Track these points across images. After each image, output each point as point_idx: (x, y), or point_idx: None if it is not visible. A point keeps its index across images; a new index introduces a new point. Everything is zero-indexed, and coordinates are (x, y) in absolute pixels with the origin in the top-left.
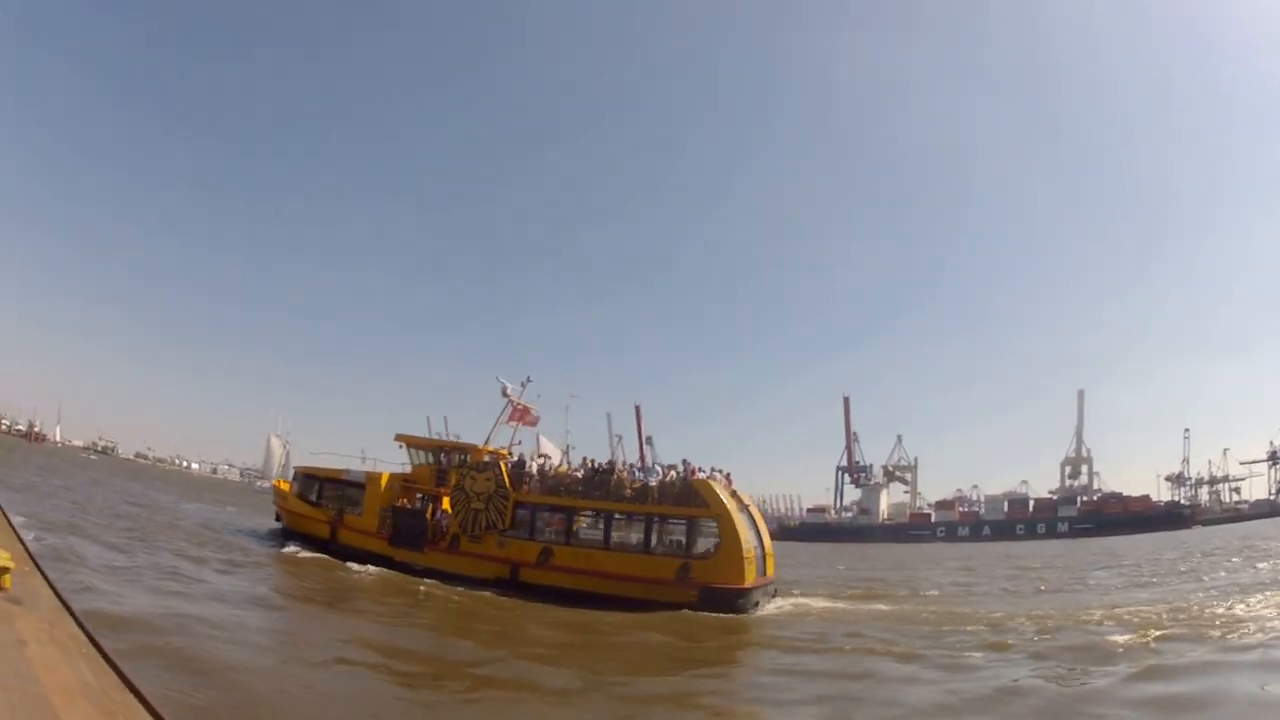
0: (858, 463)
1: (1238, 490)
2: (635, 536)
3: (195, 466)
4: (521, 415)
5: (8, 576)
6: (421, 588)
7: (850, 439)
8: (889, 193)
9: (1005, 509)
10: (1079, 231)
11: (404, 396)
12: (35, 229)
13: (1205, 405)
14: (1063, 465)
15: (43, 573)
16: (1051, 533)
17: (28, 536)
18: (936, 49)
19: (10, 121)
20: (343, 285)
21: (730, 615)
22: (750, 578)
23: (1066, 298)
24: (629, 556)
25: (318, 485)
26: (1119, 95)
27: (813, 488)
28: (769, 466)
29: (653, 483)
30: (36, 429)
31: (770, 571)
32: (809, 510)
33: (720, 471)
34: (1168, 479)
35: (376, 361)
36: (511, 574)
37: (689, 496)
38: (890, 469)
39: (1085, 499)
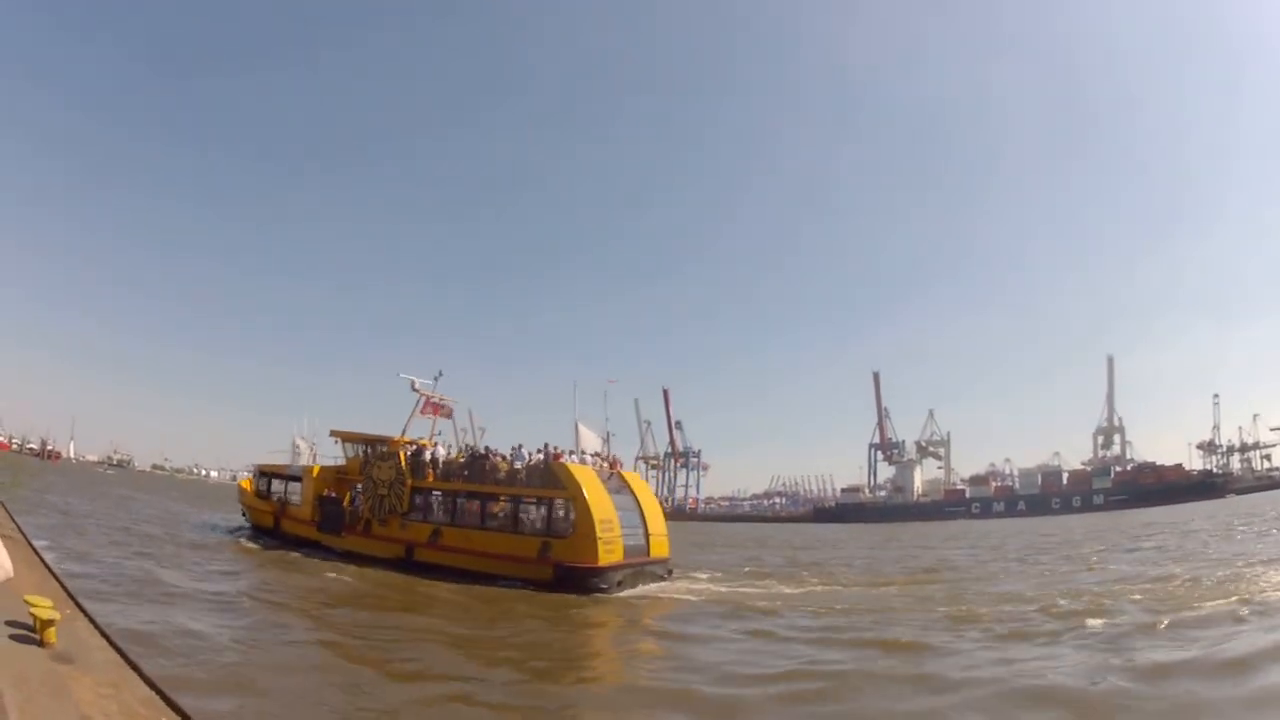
0: (890, 439)
1: (1268, 457)
2: (504, 517)
3: (214, 475)
4: (435, 408)
5: (52, 629)
6: (331, 573)
7: (881, 415)
8: (912, 167)
9: (1039, 482)
10: (1102, 196)
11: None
12: (42, 247)
13: (1233, 369)
14: (1095, 435)
15: (91, 618)
16: (1087, 506)
17: (65, 572)
18: (954, 14)
19: (12, 139)
20: (365, 290)
21: (584, 594)
22: (607, 557)
23: (1093, 263)
24: (500, 536)
25: (267, 480)
26: (1136, 54)
27: (847, 467)
28: (802, 448)
29: (519, 466)
30: (50, 447)
31: (660, 553)
32: (843, 490)
33: (598, 456)
34: (1199, 447)
35: (398, 362)
36: (407, 553)
37: (548, 479)
38: (923, 444)
39: (1119, 469)
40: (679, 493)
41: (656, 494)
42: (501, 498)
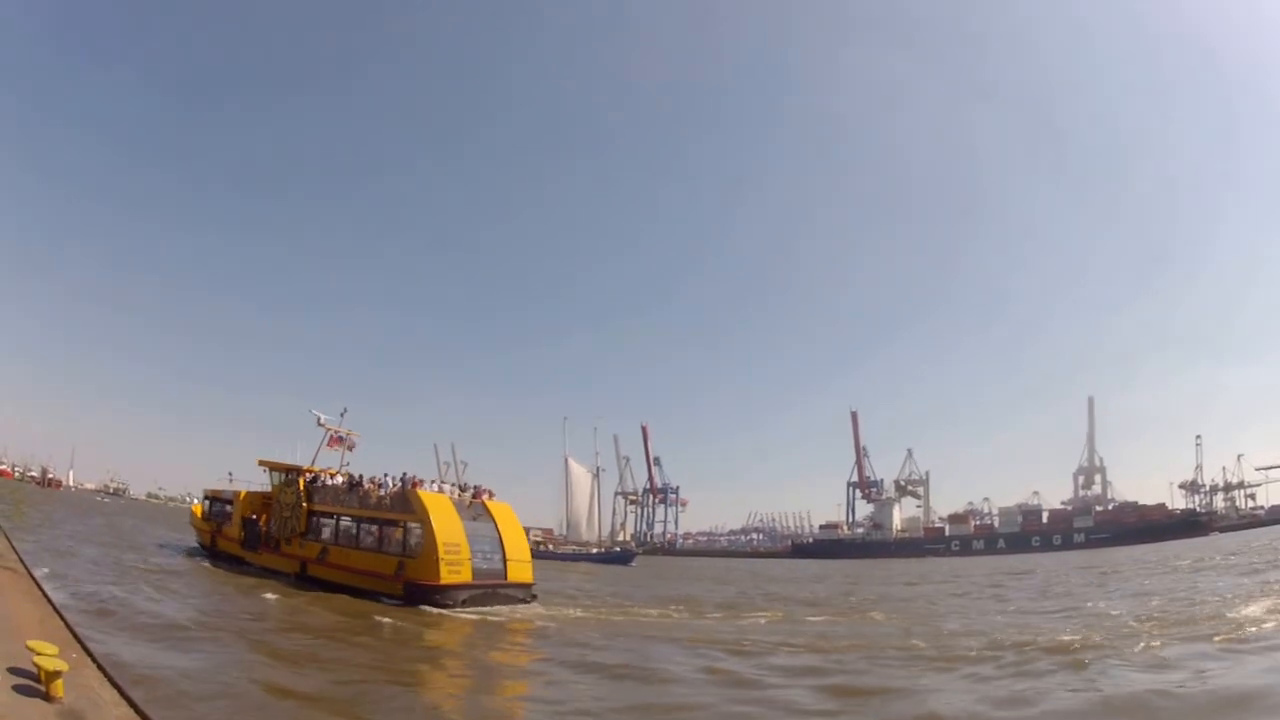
0: (869, 478)
1: (1253, 496)
2: (371, 538)
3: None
4: (337, 441)
5: (59, 682)
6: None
7: (860, 454)
8: (892, 206)
9: (1020, 521)
10: (1087, 240)
11: (414, 427)
12: (45, 276)
13: (1218, 412)
14: (1075, 475)
15: (99, 665)
16: (1067, 544)
17: (66, 605)
18: (934, 57)
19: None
20: (352, 324)
21: (429, 609)
22: (451, 577)
23: (1075, 307)
24: (369, 555)
25: (209, 504)
26: (1121, 100)
27: (824, 504)
28: (780, 484)
29: (383, 492)
30: (51, 475)
31: (519, 578)
32: (821, 527)
33: (455, 486)
34: (1181, 486)
35: (388, 394)
36: (301, 569)
37: (404, 504)
38: (902, 483)
39: (1100, 509)
40: (657, 528)
41: (634, 529)
42: (369, 520)
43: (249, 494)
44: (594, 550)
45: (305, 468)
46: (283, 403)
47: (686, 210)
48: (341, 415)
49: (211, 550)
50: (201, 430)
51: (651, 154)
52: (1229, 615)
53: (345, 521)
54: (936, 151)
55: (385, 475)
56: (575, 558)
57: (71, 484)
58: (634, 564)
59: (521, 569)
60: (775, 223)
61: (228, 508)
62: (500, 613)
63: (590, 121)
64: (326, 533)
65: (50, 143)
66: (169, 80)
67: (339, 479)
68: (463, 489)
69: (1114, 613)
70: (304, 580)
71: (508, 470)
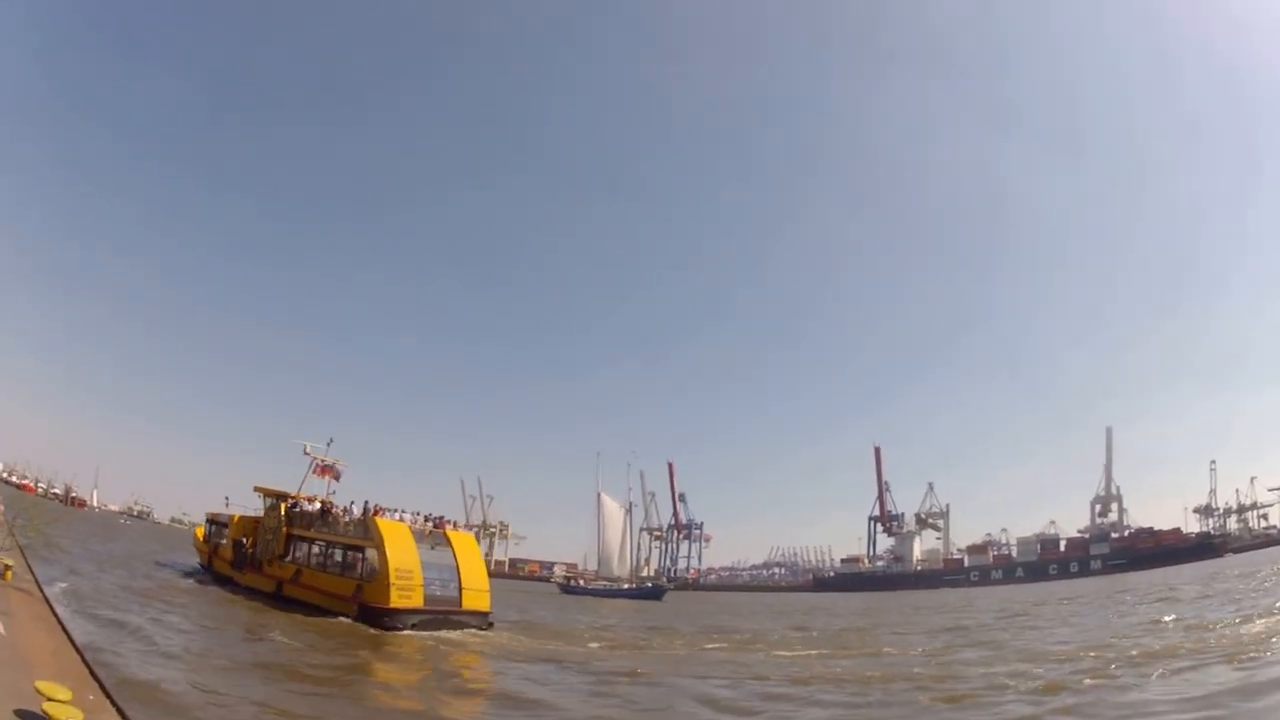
0: (890, 512)
1: (1265, 516)
2: (335, 562)
3: None
4: (324, 471)
5: None
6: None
7: (882, 489)
8: (923, 240)
9: (1038, 550)
10: (1107, 270)
11: (437, 457)
12: (73, 294)
13: (1234, 439)
14: (1093, 504)
15: (114, 703)
16: (1084, 571)
17: (84, 635)
18: (966, 87)
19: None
20: (384, 354)
21: (379, 629)
22: (402, 601)
23: (1095, 336)
24: (332, 577)
25: (210, 526)
26: (1145, 130)
27: (845, 538)
28: (801, 519)
29: (348, 519)
30: (74, 494)
31: (475, 605)
32: (843, 561)
33: (418, 515)
34: (1195, 511)
35: (417, 424)
36: (278, 589)
37: (363, 531)
38: (922, 516)
39: (1116, 535)
40: (681, 563)
41: (658, 565)
42: (335, 545)
43: (242, 518)
44: (626, 585)
45: (291, 494)
46: (310, 429)
47: (720, 247)
48: (328, 445)
49: (208, 569)
50: (227, 455)
51: (688, 192)
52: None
53: (317, 546)
54: (966, 182)
55: (351, 503)
56: (608, 593)
57: (95, 504)
58: (665, 599)
59: (478, 597)
60: (807, 260)
61: (224, 530)
62: (448, 637)
63: (628, 159)
64: (301, 555)
65: (78, 146)
66: (214, 102)
67: (316, 505)
68: (426, 519)
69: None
70: (280, 599)
71: (537, 503)
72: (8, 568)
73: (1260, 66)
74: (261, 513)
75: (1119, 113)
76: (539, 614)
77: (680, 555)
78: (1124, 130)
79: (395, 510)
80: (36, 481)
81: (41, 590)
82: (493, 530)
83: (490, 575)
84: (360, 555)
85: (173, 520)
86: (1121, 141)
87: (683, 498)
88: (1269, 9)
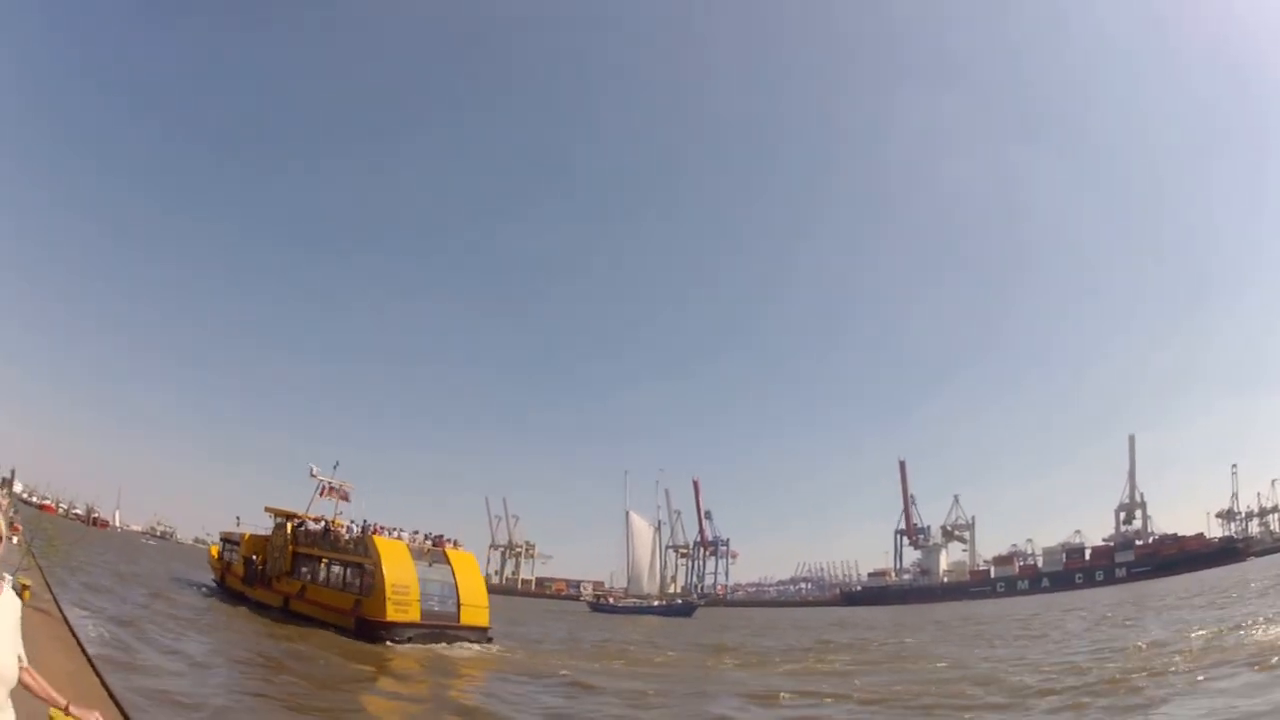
0: (916, 525)
1: None
2: (337, 578)
3: None
4: (331, 492)
5: None
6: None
7: (908, 502)
8: (943, 254)
9: (1063, 560)
10: (1130, 278)
11: (467, 479)
12: (99, 319)
13: (1255, 441)
14: (1117, 512)
15: None
16: (1109, 579)
17: (113, 667)
18: (981, 99)
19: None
20: (411, 376)
21: (373, 643)
22: (398, 615)
23: (1116, 344)
24: (333, 591)
25: (223, 545)
26: (1160, 137)
27: (871, 552)
28: (827, 534)
29: (349, 537)
30: (96, 514)
31: (473, 621)
32: (869, 574)
33: (417, 534)
34: (1218, 515)
35: (444, 446)
36: (284, 603)
37: (362, 548)
38: (948, 529)
39: (1140, 543)
40: (707, 580)
41: (685, 582)
42: (336, 562)
43: (252, 536)
44: (655, 603)
45: (298, 514)
46: (335, 452)
47: (743, 268)
48: (334, 468)
49: (222, 585)
50: (251, 475)
51: (710, 214)
52: None
53: (320, 563)
54: (985, 195)
55: (350, 522)
56: (639, 610)
57: (118, 524)
58: (695, 615)
59: (476, 613)
60: (827, 275)
61: (236, 548)
62: (445, 651)
63: (653, 183)
64: (306, 572)
65: (103, 187)
66: (231, 139)
67: (320, 525)
68: (426, 537)
69: None
70: (286, 614)
71: (564, 523)
72: (25, 588)
73: (1268, 67)
74: (271, 532)
75: (1133, 121)
76: (558, 633)
77: (707, 572)
78: (1137, 137)
79: (394, 529)
80: (58, 502)
81: (61, 611)
82: (518, 550)
83: (517, 594)
84: (359, 571)
85: (196, 540)
86: (1135, 149)
87: (709, 514)
88: (1276, 11)
